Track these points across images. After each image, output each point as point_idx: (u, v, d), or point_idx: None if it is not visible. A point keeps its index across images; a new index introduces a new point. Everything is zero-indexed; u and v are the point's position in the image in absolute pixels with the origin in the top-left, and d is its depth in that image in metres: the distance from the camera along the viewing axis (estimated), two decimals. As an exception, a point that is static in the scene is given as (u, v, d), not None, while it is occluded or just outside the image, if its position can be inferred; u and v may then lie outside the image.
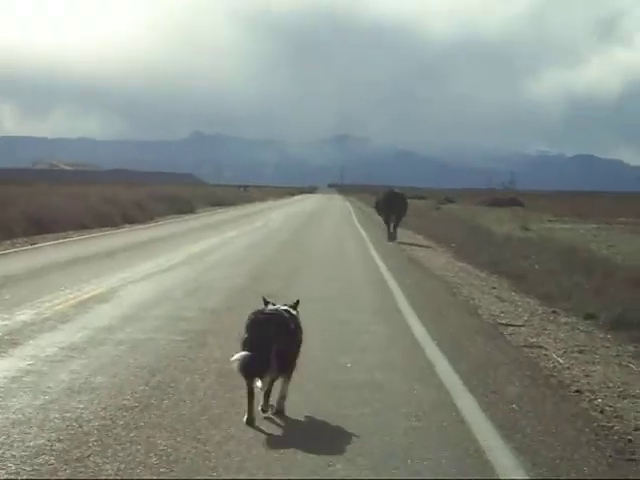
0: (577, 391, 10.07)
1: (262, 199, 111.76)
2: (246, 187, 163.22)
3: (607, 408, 9.31)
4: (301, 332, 8.88)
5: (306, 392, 9.39)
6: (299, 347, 8.80)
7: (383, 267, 24.16)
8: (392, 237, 36.68)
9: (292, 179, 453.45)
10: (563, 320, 15.75)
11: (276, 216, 60.68)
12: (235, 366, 8.18)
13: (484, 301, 17.85)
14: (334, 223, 52.56)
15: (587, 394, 9.94)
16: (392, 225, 37.45)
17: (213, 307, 15.53)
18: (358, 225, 48.88)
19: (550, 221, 55.51)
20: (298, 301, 9.21)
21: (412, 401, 9.21)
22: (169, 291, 17.57)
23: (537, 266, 23.86)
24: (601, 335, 14.22)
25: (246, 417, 8.23)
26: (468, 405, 9.11)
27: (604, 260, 25.20)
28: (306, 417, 8.61)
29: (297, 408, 8.74)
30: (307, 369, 9.79)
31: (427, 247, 34.27)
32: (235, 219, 52.96)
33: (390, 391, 9.68)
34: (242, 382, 8.45)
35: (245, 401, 8.31)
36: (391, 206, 37.96)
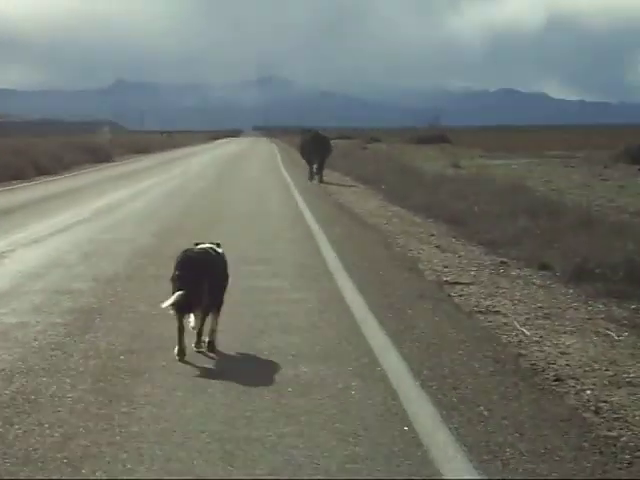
0: (557, 379, 7.86)
1: (184, 144, 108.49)
2: (169, 133, 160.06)
3: (602, 405, 7.10)
4: (227, 267, 9.31)
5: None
6: (227, 282, 9.23)
7: (309, 215, 21.95)
8: (315, 177, 36.88)
9: (216, 123, 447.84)
10: (515, 273, 13.71)
11: (196, 161, 58.19)
12: (169, 303, 8.34)
13: (424, 253, 15.71)
14: (257, 168, 49.92)
15: (570, 382, 7.76)
16: (315, 167, 37.48)
17: (109, 276, 13.04)
18: (283, 169, 46.08)
19: (481, 157, 53.83)
20: (219, 243, 9.46)
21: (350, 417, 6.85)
22: (62, 256, 15.03)
23: (476, 208, 21.92)
24: (562, 290, 12.17)
25: (177, 349, 8.45)
26: (427, 420, 6.76)
27: (547, 199, 23.35)
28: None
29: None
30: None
31: (356, 189, 32.30)
32: (153, 167, 50.34)
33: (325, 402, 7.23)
34: (129, 393, 7.37)
35: (175, 337, 8.47)
36: (315, 148, 37.80)
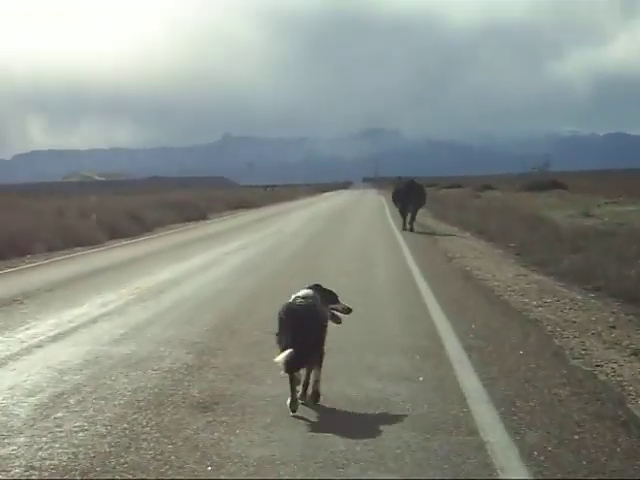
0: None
1: (289, 198, 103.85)
2: (273, 187, 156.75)
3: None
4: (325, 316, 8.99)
5: None
6: (325, 330, 8.93)
7: (428, 294, 16.40)
8: (408, 227, 36.07)
9: (324, 176, 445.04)
10: None
11: (297, 217, 52.76)
12: (279, 364, 8.31)
13: (622, 370, 9.85)
14: (362, 225, 44.52)
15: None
16: (410, 215, 36.77)
17: (116, 414, 7.77)
18: (394, 227, 40.12)
19: (607, 203, 48.05)
20: (318, 285, 9.31)
21: None
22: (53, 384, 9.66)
23: None
24: None
25: (289, 401, 8.50)
26: None
27: None
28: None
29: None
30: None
31: (480, 249, 26.48)
32: (248, 224, 45.19)
33: None
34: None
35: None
36: (408, 197, 37.42)
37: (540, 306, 14.68)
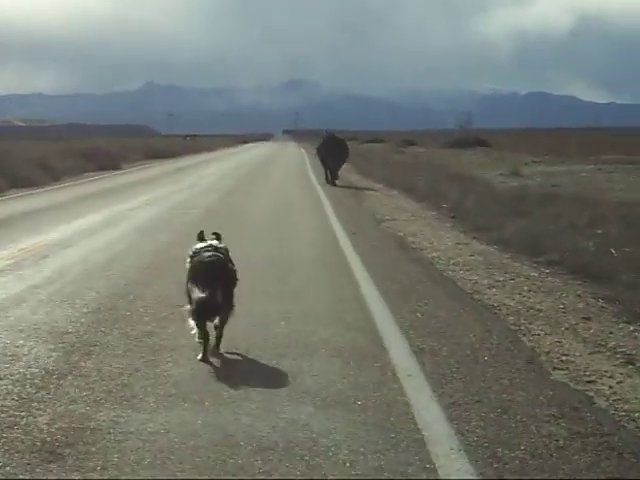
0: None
1: (209, 149, 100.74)
2: (193, 136, 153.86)
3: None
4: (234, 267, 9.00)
5: None
6: (235, 284, 8.90)
7: (358, 265, 14.03)
8: (332, 181, 35.82)
9: (246, 127, 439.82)
10: None
11: (215, 169, 49.97)
12: (193, 309, 8.36)
13: (623, 389, 7.49)
14: (284, 179, 41.93)
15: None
16: (331, 169, 36.51)
17: None
18: (317, 186, 37.27)
19: (535, 162, 46.53)
20: (219, 235, 9.35)
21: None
22: None
23: (613, 250, 14.19)
24: None
25: (201, 356, 8.38)
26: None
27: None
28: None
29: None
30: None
31: (412, 211, 24.16)
32: (161, 176, 42.50)
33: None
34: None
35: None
36: (331, 151, 36.73)
37: (492, 286, 12.30)
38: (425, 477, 5.47)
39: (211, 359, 8.35)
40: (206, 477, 5.48)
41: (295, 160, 66.17)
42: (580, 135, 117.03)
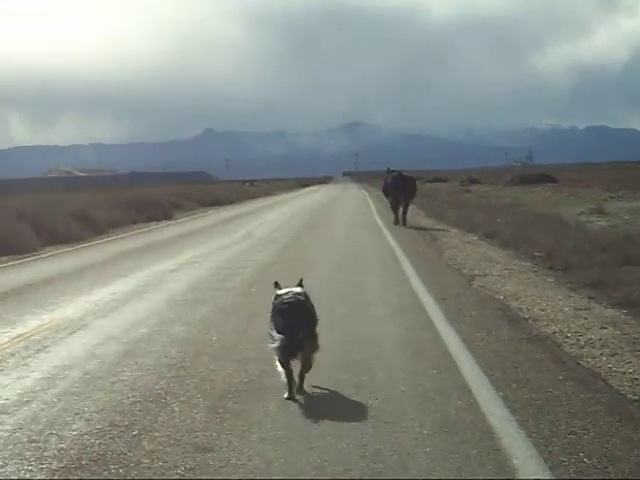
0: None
1: (268, 194, 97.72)
2: (252, 182, 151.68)
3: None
4: (314, 308, 9.20)
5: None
6: (316, 322, 9.07)
7: (463, 360, 10.14)
8: (401, 221, 34.46)
9: (305, 170, 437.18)
10: None
11: (273, 217, 46.25)
12: (275, 349, 8.59)
13: None
14: (348, 222, 38.31)
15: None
16: (402, 210, 34.89)
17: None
18: (389, 236, 33.40)
19: (612, 198, 42.89)
20: (302, 279, 9.68)
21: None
22: None
23: None
24: None
25: (287, 395, 8.60)
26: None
27: None
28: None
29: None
30: None
31: (502, 262, 20.42)
32: (214, 226, 39.05)
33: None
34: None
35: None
36: (399, 189, 35.25)
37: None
38: None
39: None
40: None
41: (358, 203, 62.32)
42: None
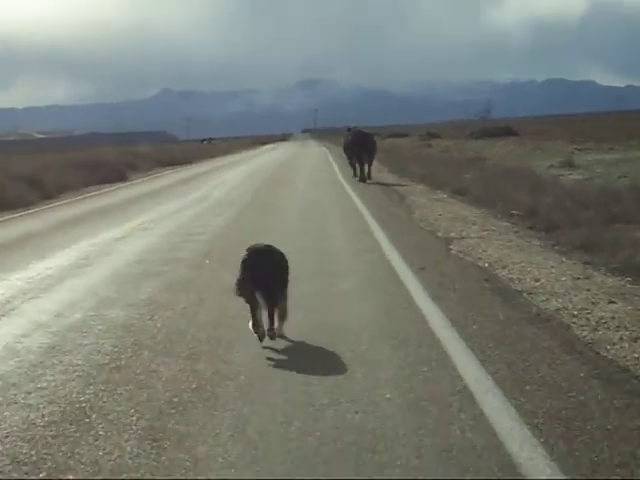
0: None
1: (227, 152, 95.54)
2: (210, 140, 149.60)
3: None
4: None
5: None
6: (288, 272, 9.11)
7: (451, 345, 8.51)
8: (367, 177, 33.82)
9: (264, 128, 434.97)
10: None
11: (232, 176, 44.35)
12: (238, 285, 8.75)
13: None
14: (310, 180, 36.62)
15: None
16: (366, 165, 34.25)
17: None
18: (351, 191, 31.43)
19: (580, 150, 41.42)
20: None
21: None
22: None
23: None
24: None
25: (257, 332, 8.81)
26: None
27: None
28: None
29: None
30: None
31: (476, 223, 18.78)
32: (168, 188, 37.02)
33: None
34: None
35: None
36: (361, 146, 34.60)
37: None
38: None
39: None
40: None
41: (319, 161, 60.32)
42: (606, 119, 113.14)
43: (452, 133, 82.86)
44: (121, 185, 40.92)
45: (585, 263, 13.01)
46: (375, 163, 36.09)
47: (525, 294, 10.82)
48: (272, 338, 8.79)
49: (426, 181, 30.36)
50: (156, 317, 10.37)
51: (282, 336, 8.91)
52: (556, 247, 14.79)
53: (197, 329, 9.62)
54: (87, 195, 34.56)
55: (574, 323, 9.17)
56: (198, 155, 79.10)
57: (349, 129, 38.55)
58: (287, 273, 9.08)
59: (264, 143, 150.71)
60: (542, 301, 10.35)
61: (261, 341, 8.69)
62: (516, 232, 17.05)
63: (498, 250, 14.50)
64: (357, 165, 34.67)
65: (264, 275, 8.65)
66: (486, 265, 13.15)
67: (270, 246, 9.16)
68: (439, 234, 17.13)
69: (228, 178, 42.49)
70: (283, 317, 8.94)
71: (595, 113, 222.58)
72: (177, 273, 13.59)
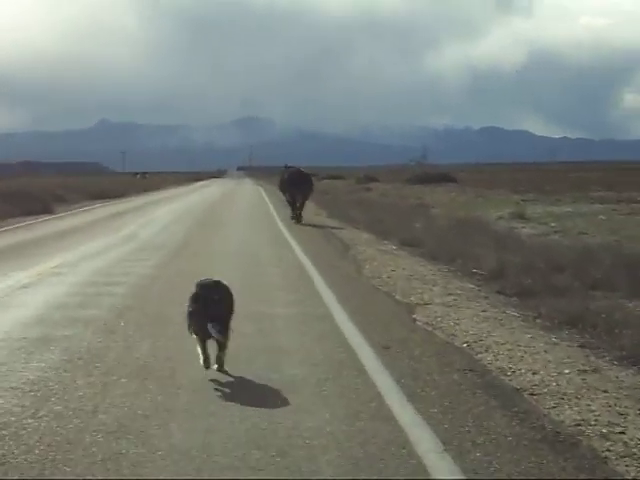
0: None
1: (159, 187, 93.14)
2: (143, 174, 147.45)
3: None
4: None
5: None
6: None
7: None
8: (298, 218, 33.59)
9: (199, 164, 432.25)
10: None
11: (160, 214, 41.74)
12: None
13: None
14: (245, 225, 34.27)
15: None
16: (298, 205, 34.10)
17: None
18: (291, 240, 29.05)
19: (525, 201, 40.26)
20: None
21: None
22: None
23: None
24: None
25: (202, 360, 9.18)
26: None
27: None
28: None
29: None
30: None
31: (437, 284, 16.55)
32: (94, 223, 34.61)
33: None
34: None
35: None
36: (297, 186, 34.40)
37: None
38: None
39: None
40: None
41: (255, 202, 57.54)
42: (542, 170, 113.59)
43: (389, 177, 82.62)
44: (46, 218, 38.53)
45: (582, 347, 10.71)
46: (313, 206, 35.81)
47: (526, 395, 8.40)
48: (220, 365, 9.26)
49: (371, 229, 28.38)
50: (42, 411, 7.74)
51: (222, 367, 9.23)
52: (538, 320, 12.60)
53: (92, 439, 6.98)
54: (3, 229, 31.76)
55: (609, 450, 6.74)
56: (130, 189, 76.95)
57: (287, 166, 37.97)
58: (233, 304, 9.48)
59: (197, 179, 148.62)
60: (552, 408, 7.92)
61: (207, 369, 9.13)
62: (485, 297, 14.90)
63: (473, 324, 12.14)
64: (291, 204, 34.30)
65: (215, 307, 9.03)
66: (464, 346, 10.75)
67: (217, 280, 9.55)
68: (397, 297, 14.82)
69: (158, 215, 40.26)
70: (225, 347, 9.23)
71: (530, 163, 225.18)
72: (83, 340, 10.92)
